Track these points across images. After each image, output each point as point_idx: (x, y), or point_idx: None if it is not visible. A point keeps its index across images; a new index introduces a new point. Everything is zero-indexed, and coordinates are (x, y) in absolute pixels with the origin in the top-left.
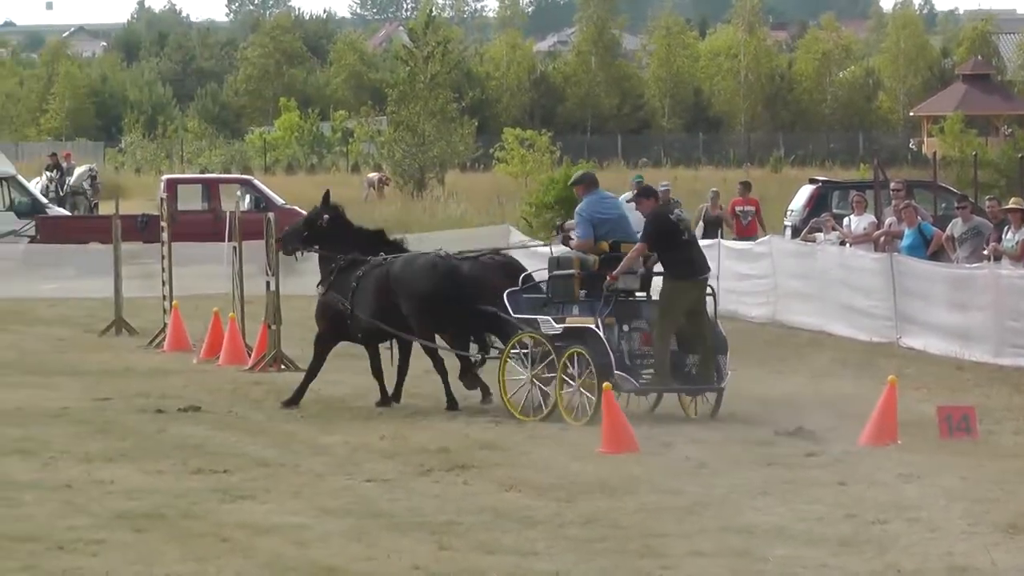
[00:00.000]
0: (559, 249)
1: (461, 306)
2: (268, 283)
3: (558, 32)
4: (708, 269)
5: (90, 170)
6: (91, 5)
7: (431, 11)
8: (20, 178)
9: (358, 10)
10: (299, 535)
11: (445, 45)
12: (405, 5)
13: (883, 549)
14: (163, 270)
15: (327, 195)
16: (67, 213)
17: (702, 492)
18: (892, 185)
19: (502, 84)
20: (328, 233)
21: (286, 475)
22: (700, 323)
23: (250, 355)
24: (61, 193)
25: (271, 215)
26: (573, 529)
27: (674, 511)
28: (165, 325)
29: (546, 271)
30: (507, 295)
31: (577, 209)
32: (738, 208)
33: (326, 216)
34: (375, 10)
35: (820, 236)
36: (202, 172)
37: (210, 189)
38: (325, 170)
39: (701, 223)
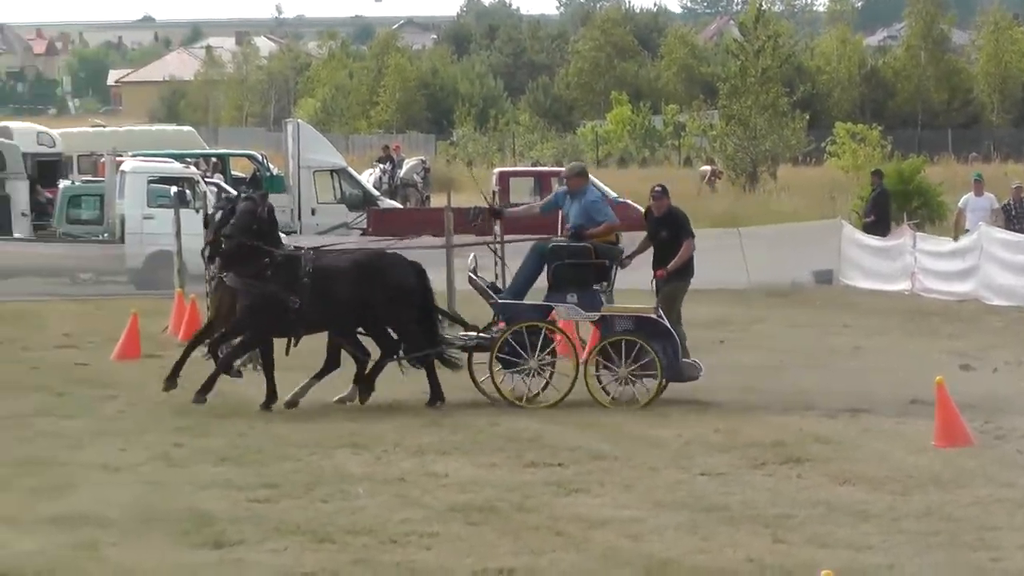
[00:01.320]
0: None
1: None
2: None
3: (887, 27)
4: None
5: (422, 162)
6: None
7: (761, 6)
8: (351, 170)
9: (688, 4)
10: (633, 528)
11: (776, 39)
12: (735, 0)
13: None
14: (495, 263)
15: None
16: (398, 206)
17: (996, 486)
18: None
19: (833, 78)
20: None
21: (620, 468)
22: None
23: (583, 348)
24: (392, 186)
25: None
26: (907, 523)
27: (1007, 504)
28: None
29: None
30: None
31: (594, 199)
32: None
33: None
34: (705, 4)
35: None
36: (534, 165)
37: (542, 182)
38: (657, 164)
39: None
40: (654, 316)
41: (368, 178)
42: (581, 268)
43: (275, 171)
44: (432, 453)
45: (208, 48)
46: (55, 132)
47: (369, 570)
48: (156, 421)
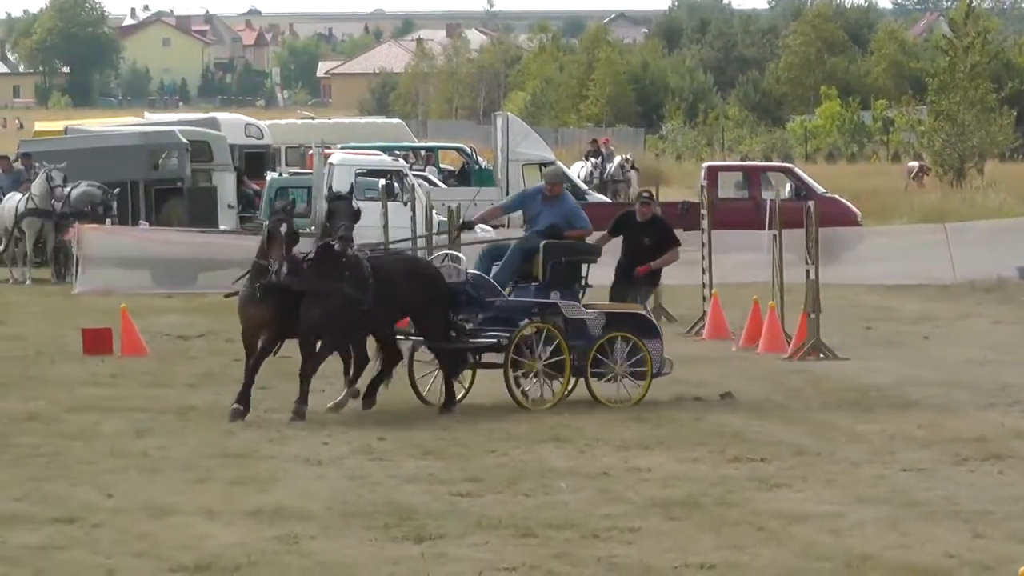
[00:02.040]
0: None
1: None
2: (808, 271)
3: (933, 10)
4: None
5: (625, 159)
6: None
7: (971, 2)
8: (560, 164)
9: (899, 0)
10: (833, 523)
11: (985, 36)
12: None
13: None
14: (703, 258)
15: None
16: (607, 200)
17: None
18: None
19: None
20: None
21: (822, 463)
22: None
23: (789, 343)
24: (603, 180)
25: (811, 204)
26: None
27: None
28: (704, 313)
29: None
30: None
31: (573, 205)
32: None
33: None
34: (916, 0)
35: None
36: (743, 160)
37: (751, 177)
38: (865, 159)
39: None
40: (643, 313)
41: (579, 172)
42: (574, 267)
43: (484, 164)
44: (635, 448)
45: (419, 40)
46: (263, 124)
47: (570, 564)
48: (360, 415)
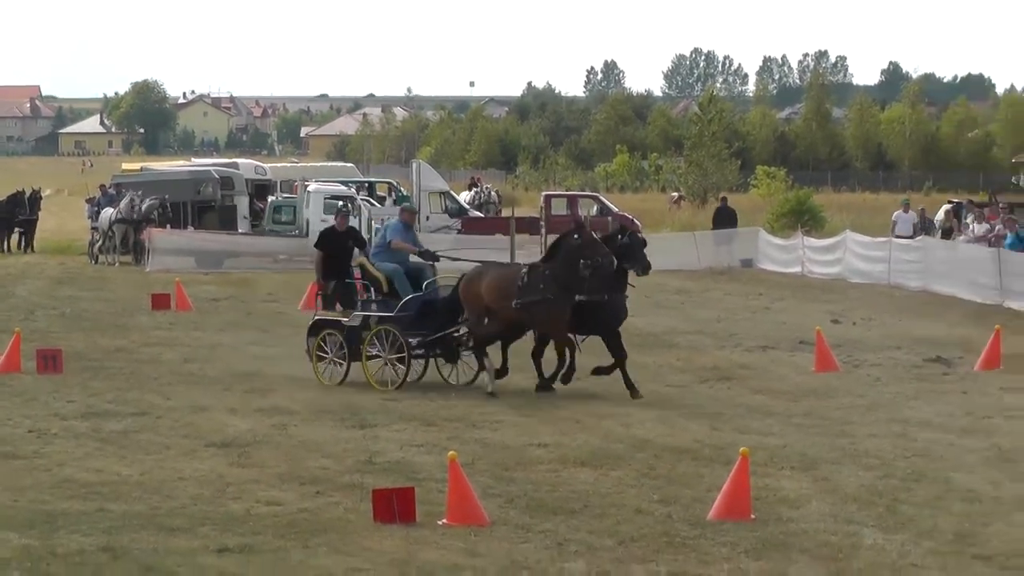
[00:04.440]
0: None
1: None
2: None
3: (792, 106)
4: None
5: (493, 191)
6: (499, 84)
7: (712, 92)
8: (452, 193)
9: (666, 89)
10: (626, 420)
11: (721, 113)
12: (698, 87)
13: (989, 435)
14: (540, 254)
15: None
16: (481, 216)
17: (877, 397)
18: (1000, 205)
19: (756, 138)
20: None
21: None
22: None
23: None
24: (478, 203)
25: (611, 218)
26: (796, 419)
27: (860, 409)
28: None
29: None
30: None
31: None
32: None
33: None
34: (677, 90)
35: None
36: (567, 190)
37: (572, 201)
38: (644, 191)
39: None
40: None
41: (464, 198)
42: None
43: (404, 192)
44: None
45: (364, 115)
46: (266, 166)
47: (459, 443)
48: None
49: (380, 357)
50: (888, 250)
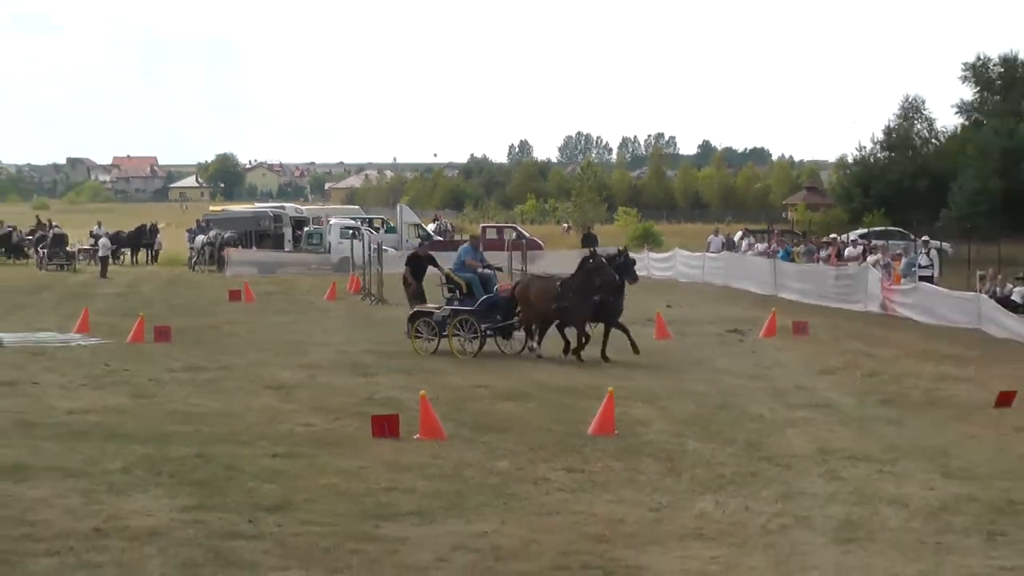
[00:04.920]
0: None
1: None
2: (523, 269)
3: (640, 168)
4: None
5: (446, 223)
6: (453, 153)
7: (590, 160)
8: (422, 224)
9: (560, 157)
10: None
11: (595, 173)
12: (580, 156)
13: (769, 380)
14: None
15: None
16: (442, 239)
17: (697, 355)
18: (776, 231)
19: (619, 188)
20: None
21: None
22: None
23: None
24: (439, 232)
25: (525, 241)
26: (645, 369)
27: (685, 363)
28: None
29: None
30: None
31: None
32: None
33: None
34: (566, 157)
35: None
36: (496, 223)
37: (499, 230)
38: (546, 223)
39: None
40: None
41: (431, 228)
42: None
43: (391, 225)
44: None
45: (366, 175)
46: (303, 208)
47: (429, 385)
48: (365, 324)
49: (459, 336)
50: (703, 260)
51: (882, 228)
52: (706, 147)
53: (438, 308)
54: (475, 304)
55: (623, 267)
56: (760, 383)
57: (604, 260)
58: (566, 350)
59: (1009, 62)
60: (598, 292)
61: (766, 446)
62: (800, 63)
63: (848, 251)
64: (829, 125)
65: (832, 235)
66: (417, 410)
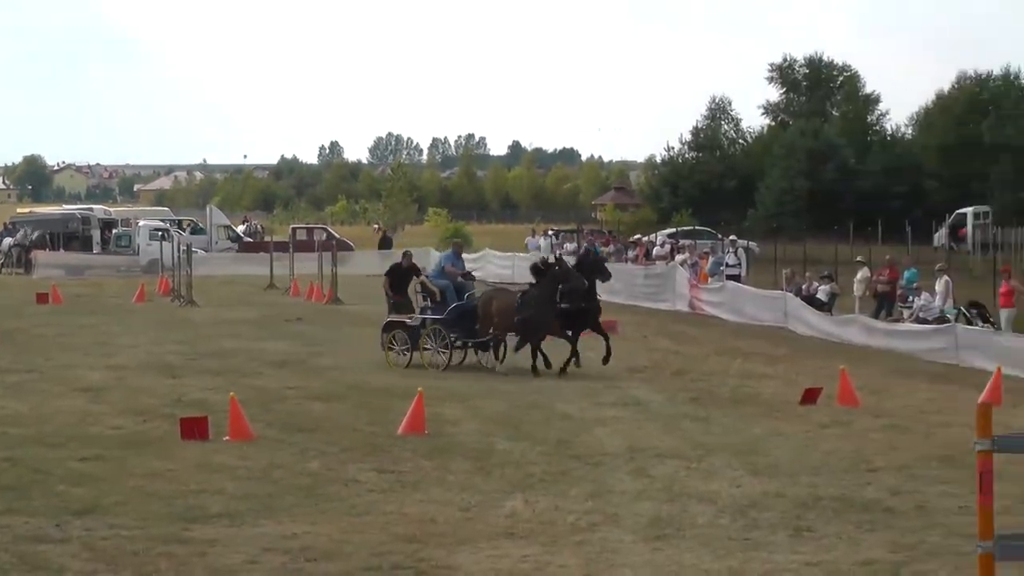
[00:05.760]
0: None
1: None
2: (333, 267)
3: (451, 169)
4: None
5: (256, 224)
6: (262, 154)
7: (400, 161)
8: (232, 226)
9: (371, 159)
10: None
11: (405, 175)
12: (390, 158)
13: (581, 378)
14: (291, 260)
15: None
16: (252, 240)
17: (507, 354)
18: (586, 231)
19: (428, 190)
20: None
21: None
22: None
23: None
24: (249, 232)
25: (335, 241)
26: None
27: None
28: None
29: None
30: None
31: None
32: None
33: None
34: (378, 159)
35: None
36: (306, 224)
37: (309, 231)
38: (357, 224)
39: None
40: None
41: (241, 229)
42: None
43: (200, 226)
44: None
45: (175, 176)
46: (112, 209)
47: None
48: (173, 326)
49: (429, 349)
50: (513, 259)
51: (690, 228)
52: (516, 148)
53: (410, 318)
54: (444, 313)
55: (593, 266)
56: (570, 382)
57: (567, 266)
58: (565, 366)
59: (814, 63)
60: (564, 300)
61: (575, 445)
62: (610, 64)
63: (656, 250)
64: (639, 126)
65: (637, 235)
66: (226, 411)
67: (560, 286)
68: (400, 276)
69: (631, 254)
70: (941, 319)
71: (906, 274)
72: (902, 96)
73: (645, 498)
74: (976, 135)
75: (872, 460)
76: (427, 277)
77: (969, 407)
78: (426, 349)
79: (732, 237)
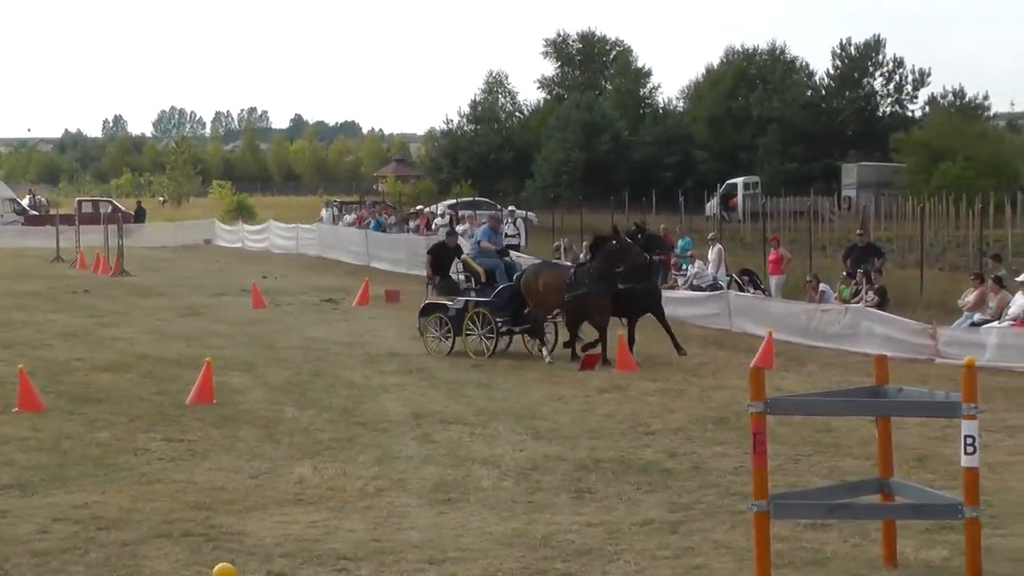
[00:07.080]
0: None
1: None
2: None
3: (235, 141)
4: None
5: (41, 198)
6: (47, 128)
7: (184, 135)
8: (17, 199)
9: (155, 132)
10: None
11: (189, 148)
12: (175, 131)
13: (363, 346)
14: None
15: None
16: (37, 214)
17: (292, 323)
18: (368, 202)
19: (211, 163)
20: None
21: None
22: None
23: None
24: (34, 206)
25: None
26: (241, 339)
27: (280, 331)
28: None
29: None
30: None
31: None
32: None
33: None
34: (162, 132)
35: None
36: (92, 198)
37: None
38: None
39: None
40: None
41: (26, 202)
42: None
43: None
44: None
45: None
46: None
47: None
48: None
49: (473, 334)
50: (296, 231)
51: (470, 198)
52: (299, 121)
53: (451, 300)
54: (492, 295)
55: (649, 242)
56: (355, 350)
57: (625, 239)
58: (574, 352)
59: (587, 39)
60: (622, 279)
61: (361, 412)
62: (390, 38)
63: (437, 221)
64: (418, 98)
65: (419, 206)
66: (15, 383)
67: (619, 263)
68: (444, 255)
69: (413, 224)
70: (714, 286)
71: (680, 243)
72: (673, 70)
73: (430, 463)
74: (744, 108)
75: (649, 423)
76: (468, 256)
77: (742, 371)
78: (469, 334)
79: (511, 207)
